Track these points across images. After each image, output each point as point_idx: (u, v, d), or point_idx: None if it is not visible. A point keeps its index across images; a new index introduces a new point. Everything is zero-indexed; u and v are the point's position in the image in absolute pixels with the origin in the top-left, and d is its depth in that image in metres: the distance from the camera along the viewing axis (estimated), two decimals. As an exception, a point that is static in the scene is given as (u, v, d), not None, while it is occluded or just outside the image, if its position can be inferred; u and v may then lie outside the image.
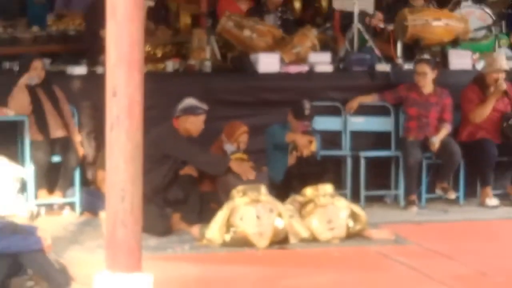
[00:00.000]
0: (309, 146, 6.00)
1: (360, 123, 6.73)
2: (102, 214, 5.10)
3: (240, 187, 5.36)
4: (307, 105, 5.98)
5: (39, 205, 5.89)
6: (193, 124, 5.63)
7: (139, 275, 2.59)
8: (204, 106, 5.64)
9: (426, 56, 6.78)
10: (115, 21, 2.55)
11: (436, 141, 6.24)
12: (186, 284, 4.46)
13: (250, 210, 5.28)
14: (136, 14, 2.57)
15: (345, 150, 6.61)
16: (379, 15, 7.18)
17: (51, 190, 6.05)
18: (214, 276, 4.74)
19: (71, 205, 6.10)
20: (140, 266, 2.63)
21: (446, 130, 6.30)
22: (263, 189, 5.40)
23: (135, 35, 2.57)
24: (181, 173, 5.80)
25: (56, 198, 6.08)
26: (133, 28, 2.56)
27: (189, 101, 5.62)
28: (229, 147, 5.84)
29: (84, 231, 5.60)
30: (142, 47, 2.66)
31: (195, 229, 5.39)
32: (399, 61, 6.87)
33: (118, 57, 2.57)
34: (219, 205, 5.40)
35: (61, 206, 6.10)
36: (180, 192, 5.69)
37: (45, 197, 6.02)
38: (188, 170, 5.75)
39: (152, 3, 6.74)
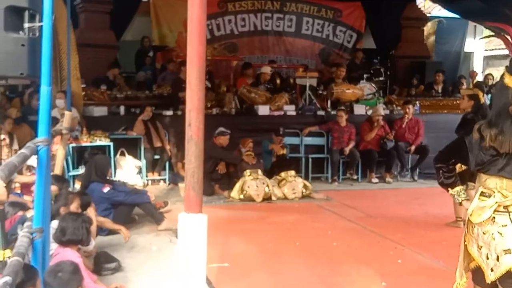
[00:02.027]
0: (281, 150, 8.59)
1: (309, 140, 9.41)
2: (180, 185, 7.91)
3: (248, 171, 7.82)
4: (281, 129, 8.84)
5: (147, 180, 8.52)
6: (223, 140, 8.12)
7: (200, 215, 3.18)
8: (228, 131, 8.16)
9: (342, 107, 9.46)
10: (190, 88, 3.18)
11: (347, 149, 9.12)
12: (221, 219, 6.34)
13: (252, 182, 7.71)
14: (200, 85, 3.20)
15: (301, 154, 9.30)
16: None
17: (153, 172, 8.69)
18: (235, 215, 6.92)
19: (164, 180, 8.70)
20: (201, 210, 3.19)
21: (352, 144, 9.16)
22: (260, 171, 7.92)
23: (199, 95, 3.21)
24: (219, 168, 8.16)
25: (156, 176, 8.66)
26: (199, 92, 3.20)
27: (221, 129, 8.16)
28: (243, 150, 8.30)
29: (170, 193, 8.07)
30: (203, 101, 3.28)
31: (226, 193, 7.95)
32: (329, 110, 9.71)
33: (191, 106, 3.20)
34: (238, 179, 7.87)
35: (159, 180, 8.70)
36: (218, 174, 8.18)
37: (151, 176, 8.59)
38: (222, 164, 8.22)
39: (209, 84, 9.13)
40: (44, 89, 2.83)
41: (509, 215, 2.79)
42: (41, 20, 2.74)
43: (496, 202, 2.81)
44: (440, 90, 11.52)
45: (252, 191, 7.69)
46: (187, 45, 3.10)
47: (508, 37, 3.02)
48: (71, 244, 3.82)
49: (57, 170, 5.25)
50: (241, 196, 7.72)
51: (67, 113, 5.37)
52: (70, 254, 3.68)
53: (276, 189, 7.93)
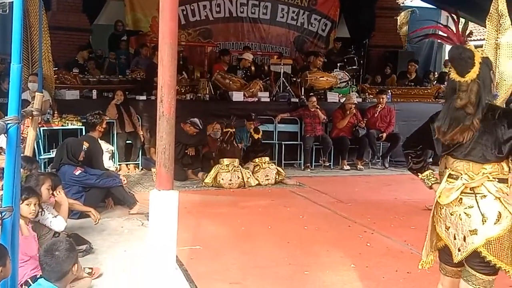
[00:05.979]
0: (256, 134, 8.53)
1: (282, 127, 9.56)
2: (153, 170, 7.63)
3: (225, 159, 7.85)
4: (253, 115, 8.94)
5: (120, 164, 8.60)
6: (191, 130, 8.22)
7: (172, 191, 3.21)
8: (200, 127, 8.20)
9: (311, 93, 9.66)
10: (162, 64, 3.18)
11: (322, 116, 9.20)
12: (194, 203, 6.55)
13: (227, 175, 7.84)
14: (172, 61, 3.20)
15: (275, 140, 9.43)
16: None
17: (126, 157, 8.67)
18: (207, 200, 7.06)
19: (136, 165, 8.82)
20: (172, 186, 3.22)
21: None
22: (237, 161, 7.97)
23: (171, 72, 3.22)
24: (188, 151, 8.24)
25: (129, 161, 8.76)
26: (171, 68, 3.21)
27: (196, 120, 8.23)
28: (213, 133, 8.54)
29: (143, 178, 8.20)
30: (175, 78, 3.28)
31: (200, 174, 8.11)
32: (302, 97, 9.83)
33: (163, 82, 3.21)
34: (213, 159, 8.03)
35: (132, 165, 8.78)
36: (189, 159, 8.34)
37: (123, 160, 8.64)
38: (191, 149, 8.34)
39: (184, 75, 9.25)
40: (14, 66, 2.77)
41: (476, 197, 2.87)
42: (11, -3, 2.68)
43: (463, 184, 2.89)
44: (412, 79, 11.65)
45: (226, 184, 7.79)
46: (159, 21, 3.09)
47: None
48: None
49: (28, 152, 5.17)
50: (215, 183, 7.82)
51: (38, 94, 5.27)
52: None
53: (251, 179, 8.00)
